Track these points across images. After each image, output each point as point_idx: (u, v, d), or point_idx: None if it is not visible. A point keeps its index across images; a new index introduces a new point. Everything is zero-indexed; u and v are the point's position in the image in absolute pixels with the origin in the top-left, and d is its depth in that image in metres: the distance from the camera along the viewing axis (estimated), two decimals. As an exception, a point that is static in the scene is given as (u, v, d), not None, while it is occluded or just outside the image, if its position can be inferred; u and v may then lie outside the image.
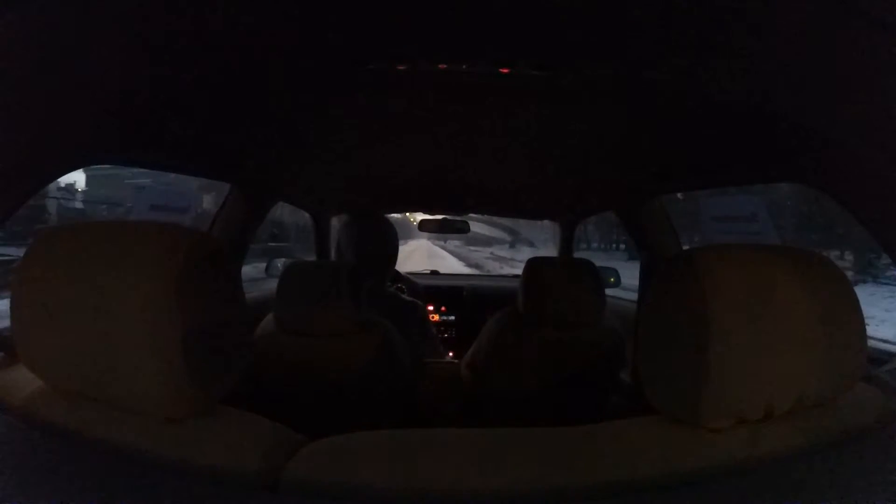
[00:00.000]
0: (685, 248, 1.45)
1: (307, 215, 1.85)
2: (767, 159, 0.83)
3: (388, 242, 1.31)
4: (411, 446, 0.43)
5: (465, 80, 0.72)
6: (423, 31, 0.59)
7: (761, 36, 0.51)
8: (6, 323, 0.45)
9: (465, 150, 1.13)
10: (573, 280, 1.08)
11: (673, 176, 1.18)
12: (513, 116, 0.90)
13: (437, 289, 2.05)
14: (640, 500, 0.38)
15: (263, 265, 1.85)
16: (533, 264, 1.11)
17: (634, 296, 1.62)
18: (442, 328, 1.97)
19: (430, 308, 1.96)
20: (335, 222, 1.92)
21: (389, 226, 1.34)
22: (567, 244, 1.98)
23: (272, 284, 1.15)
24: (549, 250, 2.13)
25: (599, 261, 1.41)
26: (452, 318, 2.00)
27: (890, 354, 0.73)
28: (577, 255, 2.13)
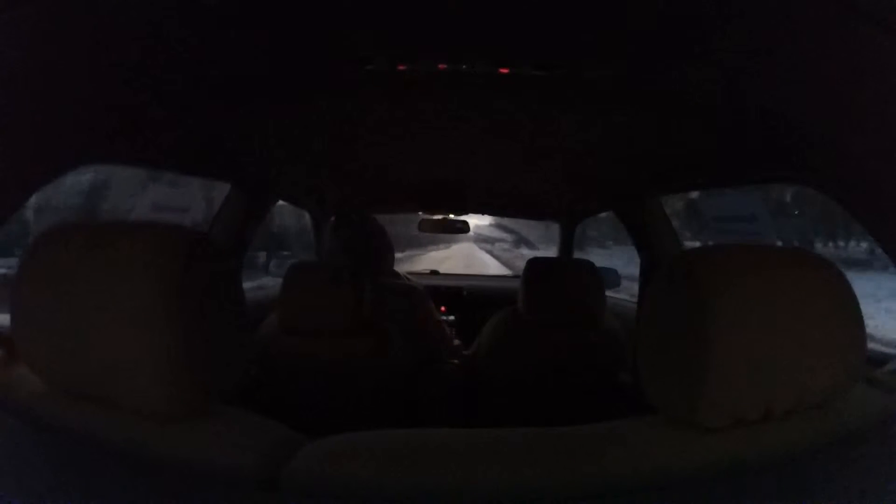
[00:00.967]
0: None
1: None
2: (767, 159, 0.83)
3: (379, 241, 1.30)
4: (411, 446, 0.43)
5: (465, 80, 0.72)
6: (423, 31, 0.59)
7: (761, 36, 0.51)
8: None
9: (465, 150, 1.13)
10: (573, 280, 1.08)
11: (673, 176, 1.18)
12: (513, 116, 0.90)
13: (437, 289, 2.05)
14: (640, 500, 0.38)
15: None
16: (533, 264, 1.11)
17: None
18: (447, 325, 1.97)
19: (432, 303, 1.96)
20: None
21: (377, 226, 1.33)
22: (567, 244, 1.98)
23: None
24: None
25: (621, 264, 1.39)
26: (452, 318, 2.00)
27: (890, 354, 0.73)
28: (591, 256, 2.12)
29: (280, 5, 0.52)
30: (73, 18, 0.48)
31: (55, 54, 0.52)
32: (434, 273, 2.48)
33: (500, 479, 0.40)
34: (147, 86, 0.67)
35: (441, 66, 0.66)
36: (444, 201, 1.88)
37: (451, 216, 2.11)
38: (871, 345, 0.46)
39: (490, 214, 2.55)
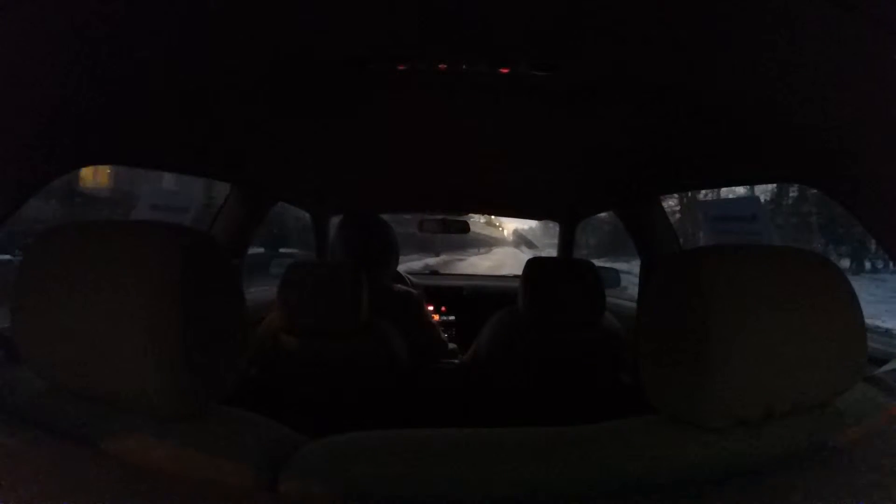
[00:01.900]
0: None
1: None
2: (767, 159, 0.83)
3: (385, 243, 1.30)
4: (411, 446, 0.43)
5: (465, 80, 0.72)
6: (423, 31, 0.59)
7: (761, 36, 0.51)
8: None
9: (465, 150, 1.13)
10: (573, 280, 1.08)
11: (673, 176, 1.18)
12: (513, 116, 0.90)
13: (437, 289, 2.05)
14: (640, 500, 0.38)
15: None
16: (533, 264, 1.11)
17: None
18: (442, 328, 1.98)
19: (430, 308, 1.96)
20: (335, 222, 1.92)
21: (386, 226, 1.33)
22: (567, 244, 1.98)
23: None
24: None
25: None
26: (452, 318, 2.00)
27: (890, 354, 0.73)
28: (617, 264, 2.10)
29: (280, 5, 0.52)
30: (73, 18, 0.48)
31: (55, 54, 0.52)
32: (434, 273, 2.49)
33: (501, 479, 0.40)
34: (147, 86, 0.67)
35: (441, 66, 0.66)
36: (444, 201, 1.88)
37: (452, 216, 2.12)
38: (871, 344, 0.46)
39: (490, 214, 2.55)
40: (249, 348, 0.97)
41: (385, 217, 1.37)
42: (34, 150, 0.62)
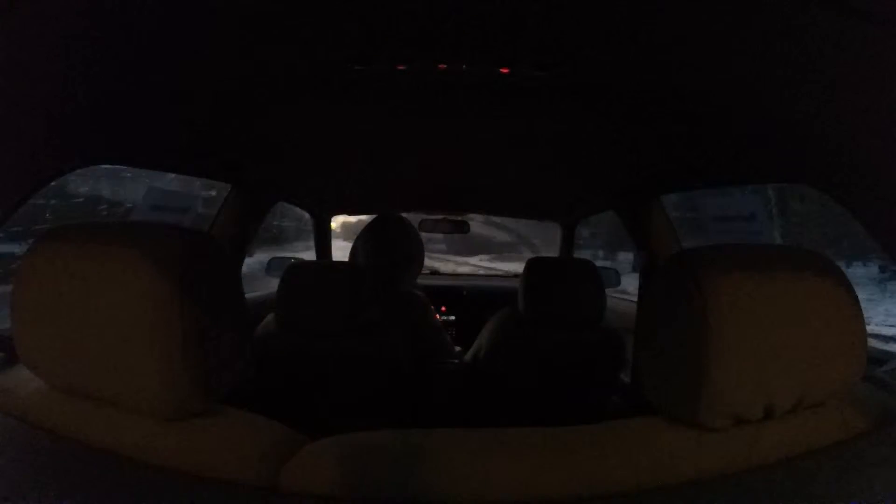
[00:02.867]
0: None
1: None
2: (767, 159, 0.83)
3: (412, 248, 1.29)
4: (411, 446, 0.43)
5: (465, 80, 0.72)
6: (423, 31, 0.59)
7: (761, 36, 0.51)
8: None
9: (465, 150, 1.13)
10: (573, 280, 1.08)
11: (673, 176, 1.18)
12: (513, 116, 0.89)
13: (437, 289, 2.05)
14: (639, 500, 0.38)
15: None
16: (533, 264, 1.11)
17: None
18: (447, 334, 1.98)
19: (432, 308, 1.96)
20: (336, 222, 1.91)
21: (414, 231, 1.32)
22: (567, 244, 1.98)
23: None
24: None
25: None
26: (452, 318, 2.00)
27: (890, 354, 0.73)
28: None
29: (279, 5, 0.52)
30: (73, 19, 0.48)
31: (55, 54, 0.52)
32: (434, 273, 2.48)
33: (501, 478, 0.40)
34: (147, 86, 0.67)
35: (441, 66, 0.66)
36: (444, 201, 1.88)
37: (452, 216, 2.12)
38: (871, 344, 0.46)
39: (490, 214, 2.55)
40: (249, 348, 0.97)
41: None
42: (34, 150, 0.62)
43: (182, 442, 0.41)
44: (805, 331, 0.41)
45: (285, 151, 1.13)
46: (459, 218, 2.12)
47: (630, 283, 1.97)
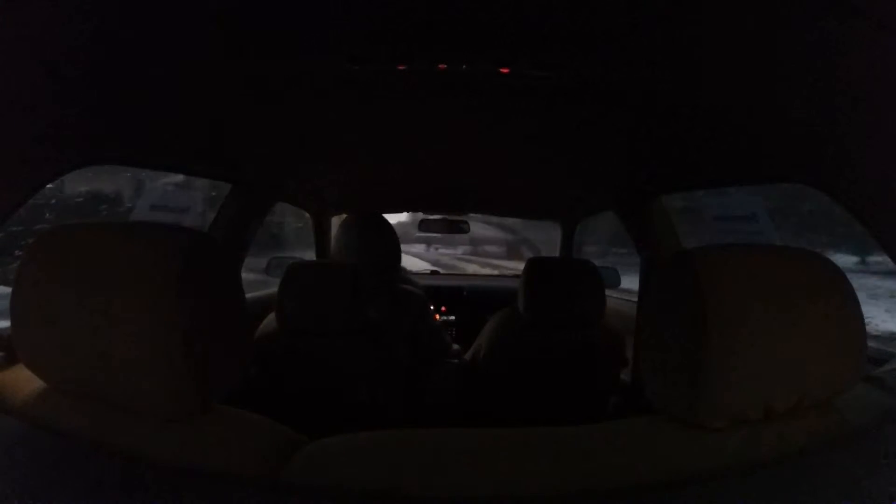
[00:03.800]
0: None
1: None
2: (767, 159, 0.83)
3: (388, 243, 1.30)
4: (411, 446, 0.43)
5: (465, 80, 0.72)
6: (423, 31, 0.59)
7: (762, 37, 0.51)
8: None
9: (465, 150, 1.13)
10: (573, 280, 1.08)
11: (673, 176, 1.18)
12: (513, 116, 0.90)
13: (437, 289, 2.05)
14: (639, 500, 0.38)
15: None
16: (533, 264, 1.11)
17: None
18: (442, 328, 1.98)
19: (430, 308, 1.96)
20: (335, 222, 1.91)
21: (388, 226, 1.33)
22: (567, 244, 1.98)
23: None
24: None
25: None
26: (452, 318, 2.00)
27: (890, 354, 0.73)
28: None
29: (279, 5, 0.52)
30: (73, 19, 0.48)
31: (55, 54, 0.52)
32: (434, 273, 2.48)
33: (501, 478, 0.40)
34: (147, 86, 0.67)
35: (441, 66, 0.66)
36: (444, 201, 1.88)
37: (452, 216, 2.12)
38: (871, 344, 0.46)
39: (490, 214, 2.55)
40: (249, 348, 0.97)
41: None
42: (34, 150, 0.62)
43: (182, 442, 0.41)
44: (805, 331, 0.41)
45: (285, 151, 1.13)
46: (459, 218, 2.12)
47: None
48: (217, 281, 0.44)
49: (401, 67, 0.67)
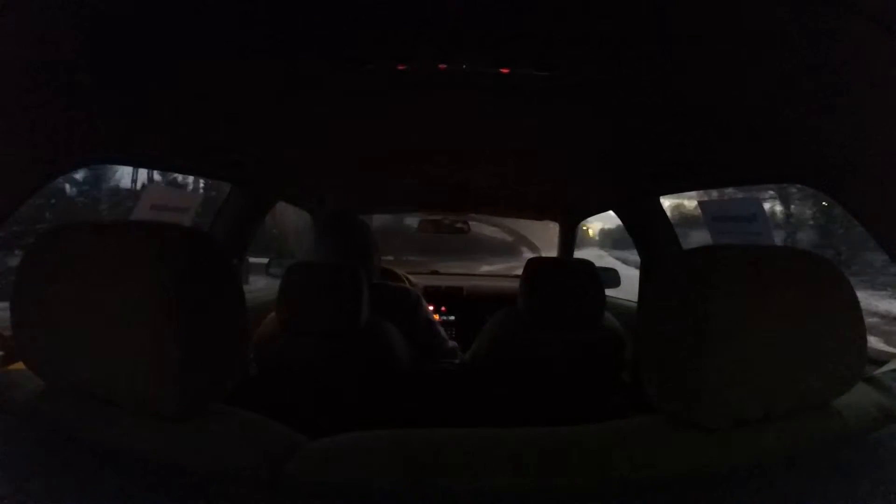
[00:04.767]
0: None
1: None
2: (767, 159, 0.83)
3: (365, 242, 1.29)
4: (411, 446, 0.43)
5: (465, 80, 0.72)
6: (423, 30, 0.59)
7: (761, 36, 0.51)
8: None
9: (465, 150, 1.13)
10: (573, 280, 1.08)
11: (673, 176, 1.18)
12: (513, 116, 0.90)
13: (437, 289, 2.05)
14: (640, 500, 0.38)
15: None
16: (533, 264, 1.11)
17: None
18: (442, 328, 1.98)
19: (430, 308, 1.96)
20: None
21: (364, 225, 1.32)
22: (567, 244, 1.98)
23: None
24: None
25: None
26: (452, 318, 2.00)
27: (890, 354, 0.73)
28: None
29: (279, 5, 0.52)
30: (73, 19, 0.48)
31: (55, 54, 0.52)
32: (434, 273, 2.48)
33: (500, 479, 0.40)
34: (147, 86, 0.67)
35: (441, 66, 0.66)
36: (444, 201, 1.88)
37: (452, 216, 2.11)
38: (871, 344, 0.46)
39: (490, 214, 2.55)
40: (249, 348, 0.97)
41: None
42: (34, 149, 0.62)
43: (182, 442, 0.41)
44: (805, 331, 0.41)
45: (285, 151, 1.13)
46: (459, 218, 2.12)
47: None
48: (217, 281, 0.44)
49: (401, 67, 0.67)
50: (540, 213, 2.14)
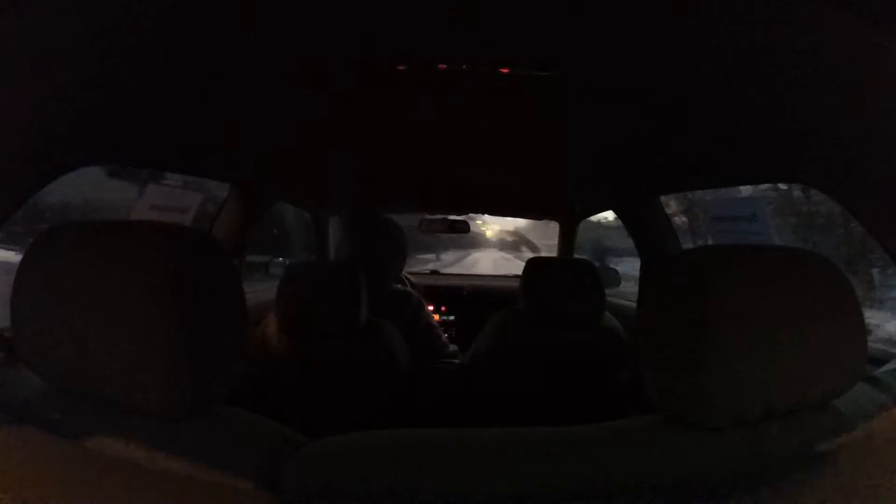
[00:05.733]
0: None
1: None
2: (767, 159, 0.83)
3: (394, 243, 1.29)
4: (411, 446, 0.43)
5: (465, 80, 0.72)
6: (423, 30, 0.59)
7: (761, 36, 0.51)
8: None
9: (465, 150, 1.13)
10: (573, 280, 1.08)
11: (673, 176, 1.18)
12: (513, 116, 0.90)
13: (437, 289, 2.05)
14: (640, 500, 0.38)
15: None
16: (533, 264, 1.11)
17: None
18: (442, 328, 1.98)
19: (430, 308, 1.96)
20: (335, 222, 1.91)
21: (395, 226, 1.32)
22: (567, 244, 1.98)
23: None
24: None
25: None
26: (452, 318, 2.00)
27: (890, 354, 0.73)
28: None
29: (279, 5, 0.52)
30: (72, 18, 0.48)
31: (55, 54, 0.52)
32: (434, 273, 2.48)
33: (500, 479, 0.40)
34: (147, 86, 0.67)
35: (441, 66, 0.66)
36: (444, 201, 1.88)
37: (452, 216, 2.11)
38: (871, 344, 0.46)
39: (490, 214, 2.55)
40: (249, 348, 0.97)
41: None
42: (34, 150, 0.62)
43: (182, 442, 0.41)
44: (805, 331, 0.41)
45: (285, 151, 1.13)
46: (460, 218, 2.12)
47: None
48: (217, 281, 0.44)
49: (400, 67, 0.67)
50: (540, 213, 2.14)
